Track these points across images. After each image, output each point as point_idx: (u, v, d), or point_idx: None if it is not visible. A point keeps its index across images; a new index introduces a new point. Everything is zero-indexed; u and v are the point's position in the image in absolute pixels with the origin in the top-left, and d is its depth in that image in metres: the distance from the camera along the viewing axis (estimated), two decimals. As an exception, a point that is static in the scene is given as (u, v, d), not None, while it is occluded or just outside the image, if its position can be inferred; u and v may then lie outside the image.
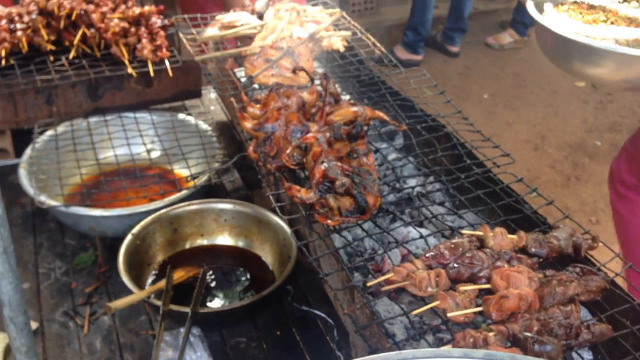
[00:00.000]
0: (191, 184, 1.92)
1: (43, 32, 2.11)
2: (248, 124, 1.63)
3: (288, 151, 1.51)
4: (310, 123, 1.62)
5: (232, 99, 1.70)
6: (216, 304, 1.66)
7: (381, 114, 1.67)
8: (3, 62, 2.06)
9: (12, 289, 1.28)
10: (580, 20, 1.83)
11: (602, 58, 1.67)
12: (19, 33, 2.10)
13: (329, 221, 1.38)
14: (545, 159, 4.27)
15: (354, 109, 1.66)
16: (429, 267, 1.26)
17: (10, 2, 2.44)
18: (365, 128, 1.63)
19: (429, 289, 1.21)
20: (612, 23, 1.81)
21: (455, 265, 1.24)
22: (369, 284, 1.25)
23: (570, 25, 1.79)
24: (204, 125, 2.18)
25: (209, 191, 1.96)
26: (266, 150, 1.55)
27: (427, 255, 1.27)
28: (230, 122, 2.55)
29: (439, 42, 5.55)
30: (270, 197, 1.52)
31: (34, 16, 2.13)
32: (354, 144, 1.55)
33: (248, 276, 1.75)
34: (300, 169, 1.57)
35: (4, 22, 2.15)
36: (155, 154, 2.15)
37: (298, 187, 1.44)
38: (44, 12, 2.15)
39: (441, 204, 1.53)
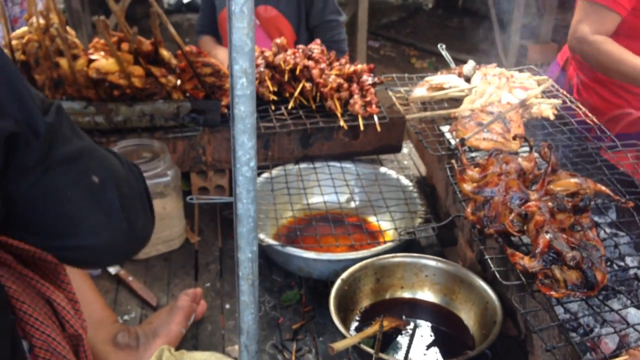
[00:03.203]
0: (393, 237, 2.00)
1: (269, 83, 2.33)
2: (467, 187, 1.68)
3: (511, 217, 1.53)
4: (530, 191, 1.64)
5: (453, 161, 1.76)
6: (414, 357, 1.69)
7: (605, 189, 1.64)
8: (231, 108, 2.29)
9: (252, 319, 1.41)
10: None
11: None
12: (248, 83, 2.33)
13: (553, 292, 1.38)
14: None
15: (575, 180, 1.65)
16: (668, 355, 1.22)
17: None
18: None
19: (671, 379, 1.16)
20: None
21: (700, 357, 1.19)
22: (603, 364, 1.22)
23: None
24: (404, 180, 2.26)
25: (407, 245, 2.02)
26: (488, 214, 1.59)
27: (666, 342, 1.23)
28: (422, 178, 2.62)
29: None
30: (489, 261, 1.55)
31: (262, 69, 2.36)
32: (577, 217, 1.54)
33: (444, 334, 1.78)
34: (520, 236, 1.58)
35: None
36: (358, 204, 2.27)
37: (521, 255, 1.46)
38: (270, 65, 2.38)
39: (673, 288, 1.46)
